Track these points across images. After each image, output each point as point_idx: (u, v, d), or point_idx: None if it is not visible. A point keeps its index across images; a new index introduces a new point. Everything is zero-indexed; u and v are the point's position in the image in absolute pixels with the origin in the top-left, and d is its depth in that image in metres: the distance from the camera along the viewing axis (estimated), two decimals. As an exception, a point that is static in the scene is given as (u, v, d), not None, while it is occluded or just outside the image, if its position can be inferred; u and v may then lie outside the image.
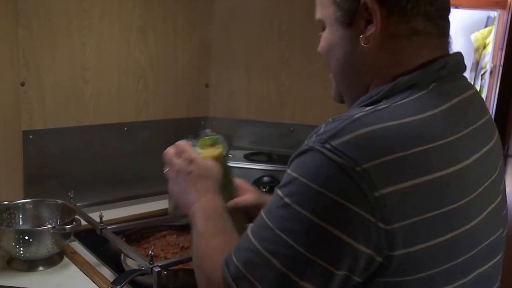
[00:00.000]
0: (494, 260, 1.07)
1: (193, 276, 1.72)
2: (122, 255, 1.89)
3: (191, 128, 2.79)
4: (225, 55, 2.84)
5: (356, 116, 0.91)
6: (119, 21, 2.48)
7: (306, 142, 0.93)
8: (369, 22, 1.00)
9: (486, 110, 1.12)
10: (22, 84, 2.21)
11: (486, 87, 5.20)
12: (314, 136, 0.92)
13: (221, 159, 1.49)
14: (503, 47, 3.63)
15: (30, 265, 1.92)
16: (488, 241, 1.03)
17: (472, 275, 0.99)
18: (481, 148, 1.02)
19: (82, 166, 2.46)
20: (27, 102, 2.24)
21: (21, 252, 1.87)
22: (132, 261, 1.80)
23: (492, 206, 1.05)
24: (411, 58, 1.01)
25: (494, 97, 3.61)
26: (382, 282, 0.90)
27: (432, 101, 0.97)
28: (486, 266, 1.03)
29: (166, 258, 1.91)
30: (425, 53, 1.01)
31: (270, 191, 2.40)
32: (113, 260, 1.97)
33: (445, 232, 0.91)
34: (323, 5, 1.09)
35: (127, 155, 2.61)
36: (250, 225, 1.01)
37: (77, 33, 2.34)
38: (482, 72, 5.42)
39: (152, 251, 1.65)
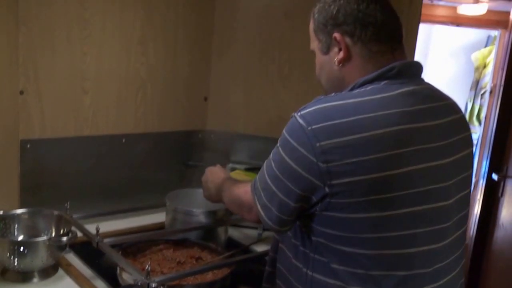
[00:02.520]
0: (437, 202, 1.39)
1: None
2: (118, 268, 1.87)
3: (188, 141, 2.80)
4: (225, 69, 2.84)
5: (320, 97, 1.37)
6: (119, 32, 2.47)
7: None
8: (340, 49, 1.45)
9: (437, 98, 1.47)
10: (21, 93, 2.20)
11: (486, 106, 5.20)
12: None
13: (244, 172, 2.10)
14: (504, 67, 3.62)
15: (24, 277, 1.89)
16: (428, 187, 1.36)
17: (406, 210, 1.33)
18: (418, 121, 1.36)
19: (79, 176, 2.44)
20: (26, 111, 2.23)
21: (16, 263, 1.84)
22: (128, 275, 1.78)
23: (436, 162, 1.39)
24: (371, 69, 1.42)
25: (494, 116, 3.60)
26: (333, 202, 1.31)
27: (377, 91, 1.36)
28: (423, 207, 1.35)
29: (162, 273, 1.90)
30: (381, 64, 1.42)
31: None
32: (108, 274, 1.95)
33: (377, 171, 1.27)
34: (312, 39, 1.55)
35: (125, 167, 2.59)
36: None
37: (77, 42, 2.33)
38: (482, 91, 5.42)
39: (149, 266, 1.63)
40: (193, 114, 2.79)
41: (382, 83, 1.39)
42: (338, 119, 1.29)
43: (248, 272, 2.03)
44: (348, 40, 1.43)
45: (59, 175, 2.38)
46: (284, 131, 1.38)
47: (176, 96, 2.72)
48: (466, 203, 1.52)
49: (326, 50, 1.49)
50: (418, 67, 1.48)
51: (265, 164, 1.48)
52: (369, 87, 1.38)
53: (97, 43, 2.39)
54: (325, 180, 1.29)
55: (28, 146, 2.25)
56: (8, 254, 1.83)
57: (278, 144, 1.40)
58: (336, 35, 1.43)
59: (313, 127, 1.29)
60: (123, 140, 2.57)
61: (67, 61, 2.32)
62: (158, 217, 2.52)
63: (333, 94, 1.40)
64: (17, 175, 2.24)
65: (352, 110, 1.30)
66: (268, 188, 1.43)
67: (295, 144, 1.32)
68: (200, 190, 2.45)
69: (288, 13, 2.68)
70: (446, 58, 5.91)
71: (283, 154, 1.36)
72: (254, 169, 2.47)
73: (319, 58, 1.54)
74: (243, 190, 1.61)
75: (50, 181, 2.35)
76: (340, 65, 1.46)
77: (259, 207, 1.47)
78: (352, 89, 1.42)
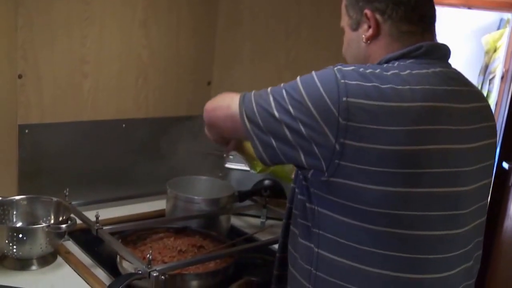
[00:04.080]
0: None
1: (189, 281, 1.69)
2: (118, 257, 1.83)
3: (191, 127, 2.75)
4: (230, 53, 2.79)
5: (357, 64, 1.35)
6: (121, 14, 2.42)
7: None
8: (369, 27, 1.43)
9: (462, 83, 1.44)
10: (20, 77, 2.15)
11: (497, 92, 5.11)
12: None
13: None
14: (516, 51, 3.56)
15: (23, 264, 1.87)
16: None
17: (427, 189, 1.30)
18: (443, 101, 1.33)
19: (78, 163, 2.40)
20: (24, 95, 2.18)
21: (14, 250, 1.82)
22: (129, 264, 1.74)
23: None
24: (398, 48, 1.40)
25: (506, 103, 3.53)
26: (342, 165, 1.26)
27: (404, 68, 1.33)
28: (438, 189, 1.31)
29: (163, 262, 1.86)
30: (408, 44, 1.40)
31: (272, 194, 2.35)
32: (108, 262, 1.92)
33: (395, 144, 1.24)
34: (343, 16, 1.53)
35: (125, 153, 2.55)
36: None
37: (77, 25, 2.29)
38: (490, 76, 5.34)
39: (150, 254, 1.60)
40: (196, 99, 2.74)
41: (408, 61, 1.37)
42: (370, 83, 1.26)
43: (252, 261, 2.00)
44: (378, 17, 1.40)
45: (58, 161, 2.34)
46: (313, 72, 1.33)
47: (178, 80, 2.67)
48: (486, 193, 1.48)
49: (356, 27, 1.47)
50: (446, 50, 1.45)
51: (272, 87, 1.39)
52: (396, 63, 1.36)
53: (98, 25, 2.35)
54: (339, 137, 1.24)
55: (27, 131, 2.21)
56: (7, 241, 1.81)
57: (298, 78, 1.34)
58: (367, 11, 1.41)
59: (347, 81, 1.25)
60: (124, 126, 2.53)
61: (67, 44, 2.27)
62: (158, 205, 2.49)
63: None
64: (15, 161, 2.20)
65: (383, 79, 1.27)
66: (267, 106, 1.34)
67: (321, 90, 1.27)
68: (203, 177, 2.42)
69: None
70: (457, 42, 5.84)
71: (302, 90, 1.30)
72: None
73: (348, 34, 1.52)
74: (231, 96, 1.51)
75: (49, 167, 2.31)
76: (368, 42, 1.44)
77: (244, 115, 1.39)
78: (381, 63, 1.40)
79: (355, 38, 1.48)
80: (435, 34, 1.46)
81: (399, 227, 1.27)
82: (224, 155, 2.59)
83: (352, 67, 1.30)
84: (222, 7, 2.78)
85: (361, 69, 1.29)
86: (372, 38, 1.43)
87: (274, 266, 1.63)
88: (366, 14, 1.41)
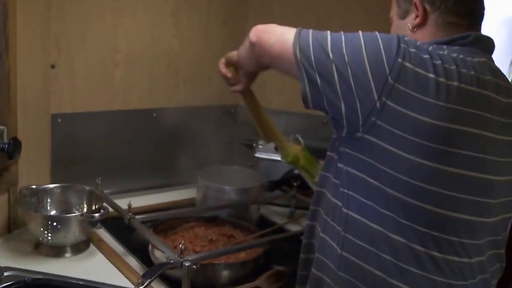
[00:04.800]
0: None
1: (220, 271, 1.70)
2: (150, 246, 1.85)
3: (221, 116, 2.77)
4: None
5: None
6: (152, 4, 2.44)
7: None
8: (417, 16, 1.44)
9: (503, 78, 1.42)
10: (52, 67, 2.17)
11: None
12: None
13: (303, 151, 1.98)
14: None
15: (57, 251, 1.89)
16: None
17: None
18: (484, 88, 1.32)
19: (110, 151, 2.42)
20: (57, 85, 2.20)
21: (49, 237, 1.85)
22: (161, 253, 1.76)
23: None
24: (443, 37, 1.40)
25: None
26: (378, 125, 1.25)
27: (451, 51, 1.33)
28: (469, 173, 1.30)
29: (194, 251, 1.88)
30: (454, 34, 1.40)
31: (302, 186, 2.35)
32: (139, 250, 1.94)
33: (433, 118, 1.23)
34: (393, 6, 1.55)
35: (156, 142, 2.57)
36: None
37: (109, 15, 2.31)
38: (522, 68, 5.26)
39: (183, 244, 1.61)
40: (226, 89, 2.74)
41: (455, 47, 1.36)
42: (426, 55, 1.27)
43: (281, 251, 2.01)
44: (427, 7, 1.42)
45: (90, 150, 2.36)
46: (376, 32, 1.33)
47: (209, 70, 2.67)
48: None
49: (404, 15, 1.48)
50: (492, 44, 1.46)
51: (329, 31, 1.39)
52: (444, 47, 1.36)
53: (129, 15, 2.36)
54: (382, 95, 1.24)
55: (59, 120, 2.23)
56: (42, 228, 1.83)
57: (359, 31, 1.34)
58: (416, 1, 1.42)
59: (407, 47, 1.26)
60: (155, 115, 2.54)
61: (99, 34, 2.29)
62: (188, 193, 2.51)
63: None
64: (48, 150, 2.22)
65: (435, 55, 1.28)
66: (324, 47, 1.33)
67: (381, 45, 1.28)
68: (233, 167, 2.44)
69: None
70: (489, 30, 5.73)
71: (362, 41, 1.30)
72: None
73: (395, 23, 1.53)
74: (287, 31, 1.48)
75: (81, 156, 2.33)
76: (414, 30, 1.45)
77: (297, 46, 1.37)
78: None
79: (402, 26, 1.48)
80: (481, 31, 1.45)
81: (424, 201, 1.27)
82: (254, 145, 2.60)
83: (412, 39, 1.32)
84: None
85: (418, 43, 1.31)
86: (418, 27, 1.44)
87: (304, 234, 1.61)
88: (415, 4, 1.43)
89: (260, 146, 2.61)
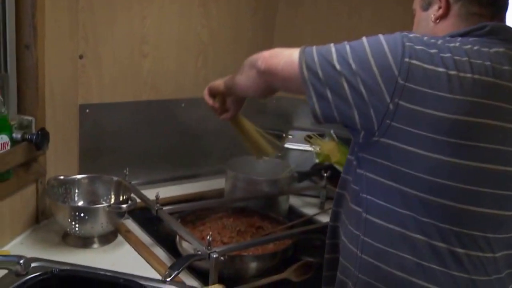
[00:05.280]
0: None
1: (248, 263, 1.72)
2: (177, 237, 1.84)
3: (251, 107, 2.74)
4: (290, 33, 2.78)
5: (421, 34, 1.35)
6: (180, -7, 2.43)
7: None
8: (439, 8, 1.43)
9: None
10: (81, 57, 2.17)
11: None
12: None
13: (337, 146, 2.05)
14: None
15: (85, 242, 1.90)
16: None
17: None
18: (503, 79, 1.29)
19: (138, 142, 2.42)
20: (85, 76, 2.20)
21: (77, 228, 1.85)
22: (188, 244, 1.75)
23: None
24: (464, 28, 1.39)
25: None
26: (393, 126, 1.25)
27: (467, 42, 1.31)
28: (490, 166, 1.28)
29: (222, 243, 1.87)
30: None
31: (331, 176, 2.32)
32: (167, 241, 1.94)
33: (450, 112, 1.22)
34: None
35: (184, 132, 2.55)
36: None
37: (137, 5, 2.30)
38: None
39: (211, 236, 1.60)
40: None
41: (471, 39, 1.34)
42: (434, 49, 1.26)
43: (310, 242, 1.99)
44: None
45: (118, 141, 2.36)
46: (379, 34, 1.33)
47: (238, 60, 2.63)
48: None
49: (427, 7, 1.48)
50: (508, 30, 1.41)
51: (335, 45, 1.38)
52: (458, 39, 1.34)
53: (157, 5, 2.35)
54: (394, 97, 1.24)
55: (87, 111, 2.23)
56: (70, 219, 1.84)
57: (362, 38, 1.35)
58: None
59: (411, 45, 1.26)
60: (183, 105, 2.53)
61: (127, 25, 2.29)
62: (217, 184, 2.50)
63: None
64: (76, 141, 2.22)
65: (444, 49, 1.27)
66: (329, 59, 1.33)
67: (386, 48, 1.27)
68: (263, 157, 2.42)
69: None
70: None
71: (367, 47, 1.30)
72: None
73: (418, 15, 1.53)
74: (291, 51, 1.47)
75: (108, 146, 2.33)
76: (437, 21, 1.45)
77: (303, 63, 1.36)
78: None
79: (425, 18, 1.49)
80: (505, 21, 1.44)
81: (445, 197, 1.26)
82: (284, 135, 2.58)
83: (417, 35, 1.31)
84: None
85: (425, 38, 1.30)
86: (440, 18, 1.44)
87: (327, 235, 1.62)
88: None
89: (290, 137, 2.59)
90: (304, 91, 1.35)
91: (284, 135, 2.62)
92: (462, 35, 1.36)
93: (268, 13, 2.76)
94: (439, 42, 1.29)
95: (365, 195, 1.37)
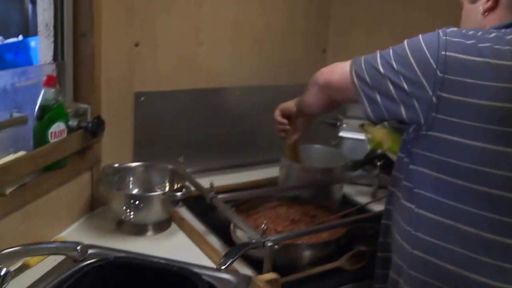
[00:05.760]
0: None
1: (302, 251, 1.74)
2: (231, 225, 1.84)
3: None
4: (345, 20, 2.75)
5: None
6: (236, -18, 2.42)
7: None
8: (488, 0, 1.42)
9: None
10: (136, 45, 2.17)
11: None
12: None
13: (389, 133, 2.05)
14: None
15: (139, 229, 1.91)
16: None
17: None
18: None
19: (192, 130, 2.42)
20: (141, 63, 2.21)
21: (131, 216, 1.86)
22: (242, 233, 1.75)
23: None
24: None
25: None
26: (439, 118, 1.29)
27: (508, 33, 1.31)
28: None
29: (276, 231, 1.86)
30: None
31: (385, 165, 2.30)
32: (220, 229, 1.94)
33: (492, 99, 1.23)
34: None
35: (239, 121, 2.55)
36: None
37: (193, -7, 2.30)
38: None
39: (265, 225, 1.60)
40: (311, 67, 2.68)
41: (508, 29, 1.35)
42: (471, 40, 1.29)
43: (363, 231, 1.97)
44: None
45: (172, 128, 2.37)
46: (420, 34, 1.38)
47: (293, 48, 2.65)
48: None
49: (474, 0, 1.48)
50: None
51: (380, 53, 1.44)
52: (502, 30, 1.35)
53: (213, -7, 2.36)
54: (436, 89, 1.29)
55: (142, 98, 2.24)
56: (125, 207, 1.85)
57: (404, 40, 1.40)
58: None
59: (447, 38, 1.30)
60: (238, 93, 2.53)
61: (183, 12, 2.29)
62: (270, 172, 2.48)
63: None
64: (131, 129, 2.23)
65: (483, 39, 1.30)
66: (375, 66, 1.41)
67: (423, 44, 1.33)
68: (316, 146, 2.40)
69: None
70: None
71: (406, 46, 1.36)
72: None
73: (466, 7, 1.54)
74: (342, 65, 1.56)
75: (163, 134, 2.34)
76: (486, 14, 1.44)
77: (353, 70, 1.46)
78: None
79: (473, 11, 1.48)
80: None
81: (493, 187, 1.27)
82: (338, 124, 2.57)
83: (456, 29, 1.35)
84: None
85: (463, 31, 1.33)
86: (489, 11, 1.43)
87: (379, 233, 1.63)
88: None
89: (345, 125, 2.57)
90: (357, 98, 1.44)
91: (338, 123, 2.60)
92: (507, 26, 1.37)
93: (323, 2, 2.74)
94: (479, 33, 1.32)
95: (417, 190, 1.39)
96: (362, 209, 2.21)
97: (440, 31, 1.33)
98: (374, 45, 2.62)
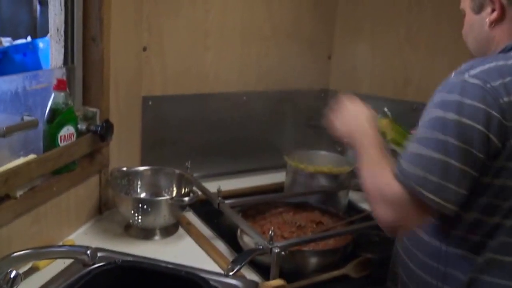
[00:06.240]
0: None
1: (309, 257, 1.74)
2: (238, 231, 1.85)
3: (311, 100, 2.74)
4: (350, 27, 2.76)
5: (482, 58, 1.32)
6: (245, -13, 2.43)
7: (445, 80, 1.30)
8: (493, 10, 1.37)
9: None
10: (144, 49, 2.19)
11: None
12: (453, 74, 1.30)
13: (391, 124, 1.97)
14: None
15: (146, 234, 1.92)
16: None
17: None
18: None
19: (199, 135, 2.44)
20: (148, 68, 2.22)
21: (139, 220, 1.87)
22: (249, 238, 1.76)
23: None
24: None
25: None
26: (498, 166, 1.25)
27: None
28: None
29: (283, 237, 1.87)
30: None
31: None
32: (227, 234, 1.94)
33: None
34: None
35: (245, 126, 2.57)
36: None
37: (201, -1, 2.31)
38: None
39: (272, 231, 1.60)
40: (316, 73, 2.73)
41: None
42: (510, 76, 1.24)
43: (368, 238, 1.98)
44: (504, 0, 1.35)
45: (179, 133, 2.38)
46: (447, 93, 1.26)
47: (299, 54, 2.66)
48: None
49: (478, 10, 1.42)
50: None
51: (415, 142, 1.29)
52: None
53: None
54: (504, 139, 1.23)
55: (150, 103, 2.25)
56: (132, 211, 1.86)
57: (435, 111, 1.26)
58: None
59: (492, 84, 1.23)
60: (244, 98, 2.54)
61: (190, 17, 2.30)
62: (276, 177, 2.50)
63: (488, 57, 1.35)
64: (138, 133, 2.25)
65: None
66: (436, 163, 1.23)
67: (472, 102, 1.22)
68: (322, 152, 2.41)
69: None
70: None
71: (453, 115, 1.22)
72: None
73: (469, 17, 1.46)
74: (386, 181, 1.32)
75: (170, 138, 2.36)
76: (492, 25, 1.39)
77: (428, 194, 1.23)
78: (502, 52, 1.36)
79: (478, 21, 1.43)
80: None
81: None
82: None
83: (483, 67, 1.26)
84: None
85: (493, 65, 1.27)
86: (496, 22, 1.38)
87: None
88: None
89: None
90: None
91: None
92: None
93: (329, 7, 2.75)
94: (500, 63, 1.27)
95: (454, 231, 1.37)
96: (368, 216, 2.21)
97: (472, 80, 1.24)
98: (379, 52, 2.66)
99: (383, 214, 1.32)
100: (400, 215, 1.30)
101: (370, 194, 1.38)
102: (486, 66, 1.27)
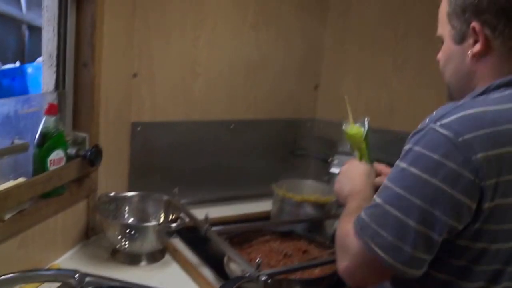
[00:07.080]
0: None
1: (295, 286, 1.75)
2: (225, 258, 1.85)
3: (297, 130, 2.76)
4: (337, 57, 2.79)
5: (459, 103, 1.20)
6: (233, 16, 2.46)
7: (420, 125, 1.20)
8: (476, 41, 1.26)
9: None
10: (135, 76, 2.21)
11: None
12: (427, 119, 1.19)
13: (361, 136, 1.90)
14: None
15: (133, 259, 1.92)
16: None
17: None
18: None
19: (187, 161, 2.44)
20: (138, 94, 2.24)
21: (126, 245, 1.87)
22: (235, 266, 1.76)
23: None
24: (507, 69, 1.25)
25: None
26: (475, 229, 1.14)
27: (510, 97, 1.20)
28: None
29: (270, 266, 1.87)
30: None
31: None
32: (214, 261, 1.94)
33: None
34: (442, 24, 1.36)
35: (232, 153, 2.58)
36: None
37: (191, 26, 2.34)
38: None
39: (260, 259, 1.60)
40: (303, 102, 2.75)
41: None
42: (489, 128, 1.12)
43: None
44: (488, 32, 1.23)
45: (168, 159, 2.39)
46: (413, 146, 1.16)
47: (287, 83, 2.68)
48: None
49: (460, 40, 1.30)
50: None
51: (380, 195, 1.21)
52: (507, 92, 1.22)
53: (210, 27, 2.39)
54: (480, 202, 1.12)
55: (139, 129, 2.26)
56: (120, 236, 1.86)
57: (402, 162, 1.18)
58: (475, 25, 1.23)
59: (465, 137, 1.10)
60: (232, 126, 2.56)
61: (180, 45, 2.32)
62: (263, 206, 2.50)
63: (466, 99, 1.25)
64: (127, 158, 2.25)
65: (500, 118, 1.14)
66: (396, 220, 1.14)
67: (441, 159, 1.10)
68: (308, 181, 2.42)
69: (407, 2, 2.58)
70: None
71: (421, 174, 1.12)
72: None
73: (449, 47, 1.35)
74: (346, 231, 1.27)
75: (158, 164, 2.36)
76: (474, 59, 1.28)
77: (378, 250, 1.15)
78: (484, 93, 1.25)
79: (459, 53, 1.32)
80: None
81: None
82: (329, 160, 2.59)
83: (456, 115, 1.15)
84: (331, 14, 2.78)
85: (468, 113, 1.15)
86: (479, 56, 1.27)
87: None
88: (474, 28, 1.24)
89: (336, 161, 2.59)
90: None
91: (329, 160, 2.62)
92: (510, 84, 1.23)
93: (316, 37, 2.78)
94: (494, 108, 1.16)
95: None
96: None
97: (443, 131, 1.13)
98: (366, 82, 2.69)
99: (340, 264, 1.27)
100: (358, 269, 1.23)
101: (336, 243, 1.33)
102: (461, 113, 1.15)
